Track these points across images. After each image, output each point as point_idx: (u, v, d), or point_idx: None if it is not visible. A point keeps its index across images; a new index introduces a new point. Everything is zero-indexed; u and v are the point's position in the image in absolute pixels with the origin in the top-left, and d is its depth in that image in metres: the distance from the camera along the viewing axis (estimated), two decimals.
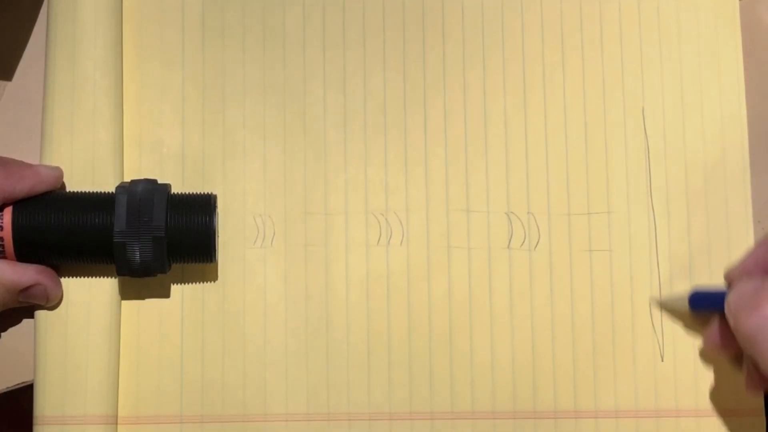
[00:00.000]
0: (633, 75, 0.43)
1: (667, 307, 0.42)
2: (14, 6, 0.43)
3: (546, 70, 0.43)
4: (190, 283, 0.41)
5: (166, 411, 0.40)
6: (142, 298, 0.41)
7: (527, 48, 0.43)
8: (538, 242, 0.42)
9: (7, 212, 0.37)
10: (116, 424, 0.39)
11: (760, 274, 0.39)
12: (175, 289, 0.41)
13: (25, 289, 0.37)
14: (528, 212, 0.42)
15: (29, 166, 0.38)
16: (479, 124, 0.43)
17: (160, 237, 0.37)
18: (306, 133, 0.42)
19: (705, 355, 0.42)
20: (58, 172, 0.39)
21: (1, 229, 0.37)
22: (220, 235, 0.41)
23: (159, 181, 0.39)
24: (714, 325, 0.40)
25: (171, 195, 0.39)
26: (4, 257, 0.37)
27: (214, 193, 0.39)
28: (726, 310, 0.37)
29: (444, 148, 0.42)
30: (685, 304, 0.41)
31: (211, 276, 0.41)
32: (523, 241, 0.42)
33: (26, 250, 0.37)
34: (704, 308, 0.40)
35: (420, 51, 0.43)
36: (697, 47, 0.43)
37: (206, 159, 0.42)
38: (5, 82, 0.42)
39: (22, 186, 0.37)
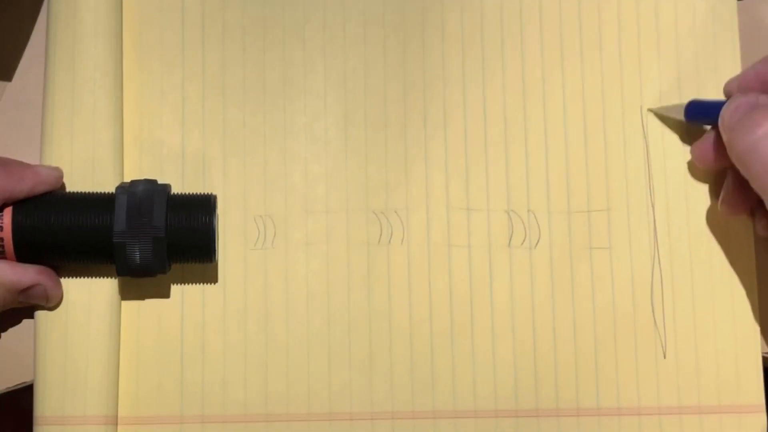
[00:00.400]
0: (632, 73, 0.43)
1: (662, 115, 0.42)
2: (14, 6, 0.43)
3: (545, 69, 0.43)
4: (190, 284, 0.41)
5: (166, 411, 0.40)
6: (142, 298, 0.41)
7: (526, 46, 0.43)
8: (538, 240, 0.42)
9: (7, 213, 0.37)
10: (116, 424, 0.39)
11: (759, 88, 0.39)
12: (175, 289, 0.41)
13: (26, 290, 0.37)
14: (528, 210, 0.42)
15: (29, 166, 0.38)
16: (479, 122, 0.43)
17: (160, 237, 0.37)
18: (306, 132, 0.42)
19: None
20: (58, 173, 0.39)
21: (1, 230, 0.37)
22: (220, 235, 0.41)
23: (159, 182, 0.39)
24: (706, 137, 0.40)
25: (171, 195, 0.39)
26: (4, 257, 0.37)
27: (214, 193, 0.39)
28: (719, 122, 0.38)
29: (444, 147, 0.42)
30: (681, 114, 0.41)
31: (212, 276, 0.41)
32: (524, 240, 0.42)
33: (26, 250, 0.37)
34: (700, 118, 0.41)
35: (420, 49, 0.43)
36: (696, 46, 0.44)
37: (206, 159, 0.42)
38: (5, 83, 0.42)
39: (22, 186, 0.37)
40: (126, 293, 0.40)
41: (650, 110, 0.43)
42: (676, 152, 0.43)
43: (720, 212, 0.41)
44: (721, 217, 0.41)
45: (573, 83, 0.43)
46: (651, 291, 0.42)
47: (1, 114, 0.42)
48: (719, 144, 0.39)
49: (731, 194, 0.40)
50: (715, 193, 0.42)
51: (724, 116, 0.38)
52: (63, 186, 0.39)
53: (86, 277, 0.39)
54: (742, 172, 0.37)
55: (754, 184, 0.36)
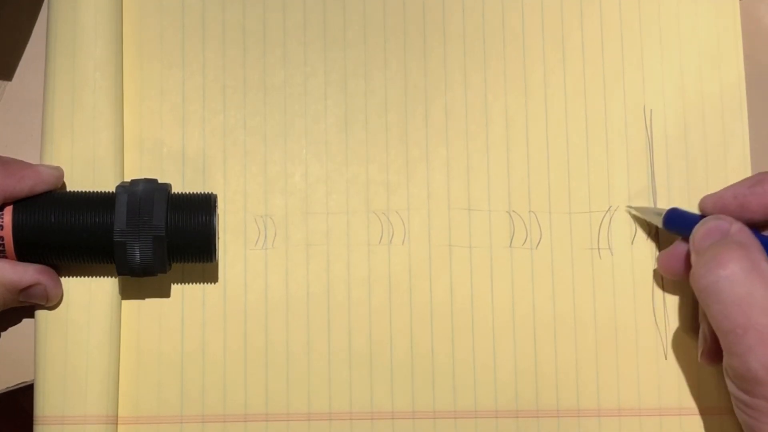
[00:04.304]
0: (634, 74, 0.43)
1: (642, 215, 0.42)
2: (14, 6, 0.43)
3: (547, 69, 0.43)
4: (190, 283, 0.41)
5: (166, 411, 0.40)
6: (142, 297, 0.41)
7: (528, 46, 0.43)
8: (539, 241, 0.42)
9: (8, 212, 0.37)
10: (116, 424, 0.39)
11: (735, 210, 0.38)
12: (175, 289, 0.41)
13: (26, 289, 0.37)
14: (529, 211, 0.42)
15: (30, 165, 0.38)
16: (480, 122, 0.43)
17: (160, 236, 0.37)
18: (306, 133, 0.42)
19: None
20: (59, 172, 0.39)
21: (2, 229, 0.37)
22: (220, 235, 0.41)
23: (159, 181, 0.39)
24: (676, 247, 0.40)
25: (171, 195, 0.39)
26: (5, 257, 0.37)
27: (214, 192, 0.39)
28: (690, 240, 0.38)
29: (445, 147, 0.42)
30: (659, 220, 0.41)
31: (212, 276, 0.41)
32: (525, 240, 0.42)
33: (26, 249, 0.37)
34: (676, 229, 0.40)
35: (421, 50, 0.43)
36: (698, 46, 0.44)
37: (206, 159, 0.42)
38: (5, 82, 0.42)
39: (23, 185, 0.37)
40: (126, 293, 0.40)
41: (628, 208, 0.42)
42: (678, 152, 0.43)
43: (700, 363, 0.40)
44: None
45: (575, 83, 0.43)
46: (652, 292, 0.42)
47: (2, 113, 0.42)
48: (688, 257, 0.38)
49: (710, 346, 0.38)
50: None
51: (695, 237, 0.37)
52: (63, 185, 0.39)
53: (86, 277, 0.39)
54: (702, 306, 0.36)
55: (712, 323, 0.35)
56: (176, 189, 0.40)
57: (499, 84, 0.43)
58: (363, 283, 0.41)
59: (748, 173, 0.43)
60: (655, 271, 0.42)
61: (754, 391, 0.34)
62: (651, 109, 0.43)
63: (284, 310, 0.41)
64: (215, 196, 0.39)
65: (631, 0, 0.44)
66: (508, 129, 0.43)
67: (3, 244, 0.37)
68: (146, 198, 0.37)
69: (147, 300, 0.41)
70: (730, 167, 0.43)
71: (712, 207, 0.39)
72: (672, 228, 0.40)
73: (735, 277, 0.34)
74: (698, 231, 0.38)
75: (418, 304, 0.41)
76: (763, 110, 0.44)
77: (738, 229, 0.37)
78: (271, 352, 0.41)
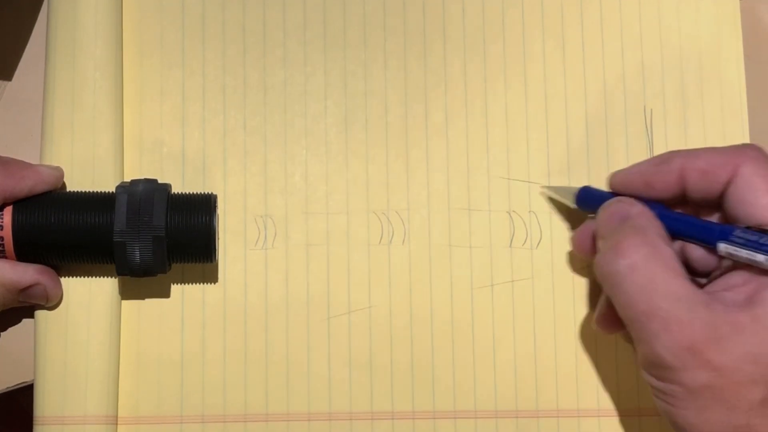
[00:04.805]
0: (634, 74, 0.43)
1: (557, 195, 0.41)
2: (14, 6, 0.43)
3: (547, 69, 0.43)
4: (190, 283, 0.41)
5: (166, 411, 0.40)
6: (142, 298, 0.41)
7: (528, 47, 0.43)
8: (539, 241, 0.42)
9: (8, 212, 0.37)
10: (116, 424, 0.39)
11: (641, 188, 0.38)
12: (175, 289, 0.41)
13: (25, 289, 0.37)
14: (529, 211, 0.42)
15: (30, 165, 0.38)
16: (480, 122, 0.43)
17: (160, 237, 0.37)
18: (306, 133, 0.42)
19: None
20: (59, 172, 0.39)
21: (2, 229, 0.37)
22: (220, 236, 0.41)
23: (159, 181, 0.39)
24: (587, 226, 0.39)
25: (171, 195, 0.38)
26: (5, 257, 0.37)
27: (214, 193, 0.39)
28: (596, 219, 0.37)
29: (445, 147, 0.42)
30: (572, 199, 0.40)
31: (212, 276, 0.41)
32: (525, 240, 0.42)
33: (26, 249, 0.37)
34: (589, 208, 0.40)
35: (421, 50, 0.43)
36: (698, 47, 0.44)
37: (206, 159, 0.42)
38: (5, 82, 0.42)
39: (23, 186, 0.37)
40: (126, 293, 0.40)
41: (542, 189, 0.42)
42: None
43: (594, 329, 0.39)
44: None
45: (575, 83, 0.43)
46: None
47: (1, 113, 0.42)
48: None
49: (605, 314, 0.38)
50: None
51: (599, 220, 0.37)
52: (63, 185, 0.39)
53: (86, 277, 0.39)
54: (607, 293, 0.36)
55: (618, 312, 0.35)
56: (176, 189, 0.40)
57: (499, 84, 0.43)
58: (363, 283, 0.41)
59: None
60: None
61: (666, 376, 0.34)
62: (651, 109, 0.43)
63: (284, 310, 0.41)
64: (215, 197, 0.39)
65: (631, 0, 0.44)
66: (508, 129, 0.43)
67: (3, 244, 0.37)
68: (146, 198, 0.37)
69: (147, 300, 0.41)
70: None
71: (619, 184, 0.39)
72: (584, 207, 0.40)
73: (635, 266, 0.34)
74: (601, 214, 0.37)
75: (417, 304, 0.41)
76: (763, 110, 0.44)
77: (638, 212, 0.36)
78: (271, 352, 0.41)
